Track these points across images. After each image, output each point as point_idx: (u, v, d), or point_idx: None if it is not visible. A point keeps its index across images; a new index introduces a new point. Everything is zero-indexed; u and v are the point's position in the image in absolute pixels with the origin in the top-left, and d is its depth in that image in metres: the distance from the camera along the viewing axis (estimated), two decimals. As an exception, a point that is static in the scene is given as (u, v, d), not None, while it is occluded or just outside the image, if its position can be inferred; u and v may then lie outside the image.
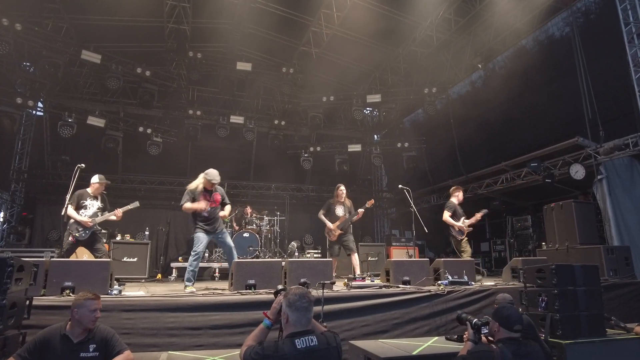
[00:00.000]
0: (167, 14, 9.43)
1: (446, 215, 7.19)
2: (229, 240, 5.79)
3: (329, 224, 7.08)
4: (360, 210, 7.07)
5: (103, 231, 9.30)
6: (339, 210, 7.15)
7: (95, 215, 5.87)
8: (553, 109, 9.10)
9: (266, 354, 2.34)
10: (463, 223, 7.18)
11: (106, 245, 8.97)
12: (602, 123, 7.63)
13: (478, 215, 7.42)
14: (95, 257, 5.89)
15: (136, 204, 6.18)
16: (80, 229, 5.69)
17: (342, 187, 7.29)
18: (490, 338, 3.16)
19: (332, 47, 10.73)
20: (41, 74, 9.63)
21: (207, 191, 5.63)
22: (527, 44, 9.74)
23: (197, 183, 5.67)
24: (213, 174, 5.67)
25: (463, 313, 3.40)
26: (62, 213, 5.53)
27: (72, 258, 5.87)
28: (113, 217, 5.93)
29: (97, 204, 5.94)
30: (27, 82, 10.13)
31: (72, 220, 5.69)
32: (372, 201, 7.37)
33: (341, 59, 11.34)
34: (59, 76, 9.39)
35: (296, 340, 2.37)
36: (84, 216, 5.74)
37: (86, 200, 5.86)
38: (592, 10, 8.36)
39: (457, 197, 7.45)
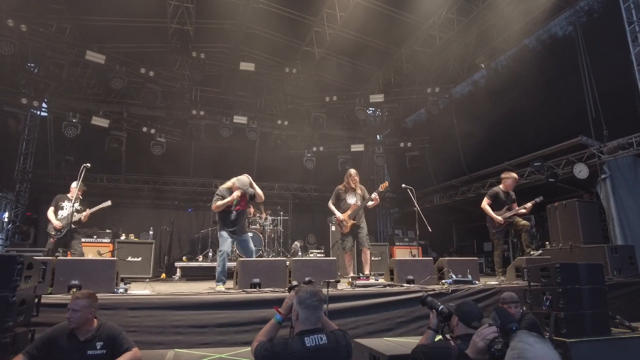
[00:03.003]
0: (170, 14, 9.45)
1: (484, 203, 6.74)
2: None
3: (339, 215, 6.39)
4: (375, 194, 6.28)
5: (107, 231, 9.39)
6: (351, 199, 6.43)
7: (68, 217, 6.29)
8: (556, 108, 9.09)
9: (275, 351, 2.35)
10: (503, 215, 6.68)
11: (110, 245, 9.12)
12: (606, 122, 7.62)
13: (528, 205, 6.62)
14: (72, 254, 6.33)
15: (108, 202, 6.66)
16: (54, 230, 6.22)
17: (354, 172, 6.56)
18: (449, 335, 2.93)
19: (334, 47, 10.74)
20: (46, 74, 9.68)
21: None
22: (530, 43, 9.73)
23: None
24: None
25: (429, 296, 3.06)
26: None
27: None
28: (80, 217, 6.39)
29: (72, 206, 6.38)
30: (31, 82, 10.17)
31: (50, 222, 6.24)
32: (386, 183, 6.67)
33: (344, 59, 11.35)
34: (64, 77, 9.43)
35: (306, 338, 2.37)
36: (60, 217, 6.29)
37: (63, 202, 6.42)
38: (595, 9, 8.36)
39: (504, 183, 6.89)
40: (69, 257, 5.75)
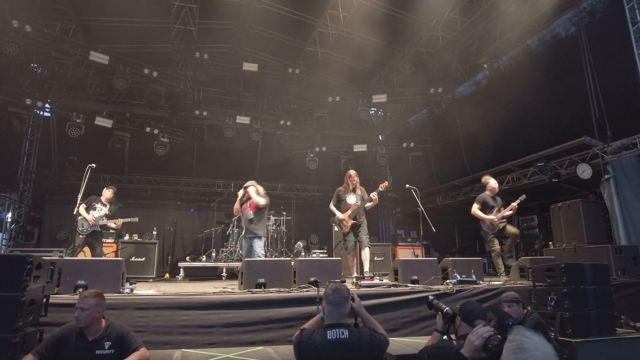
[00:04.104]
0: (174, 15, 9.47)
1: (474, 209, 6.85)
2: None
3: (339, 214, 6.44)
4: (374, 194, 6.29)
5: (111, 231, 9.41)
6: (351, 199, 6.46)
7: (100, 218, 6.75)
8: (559, 109, 9.09)
9: (301, 340, 2.58)
10: (496, 215, 6.76)
11: (114, 245, 9.16)
12: (609, 122, 7.62)
13: (514, 205, 6.70)
14: (92, 253, 6.75)
15: (135, 219, 7.26)
16: (84, 225, 6.55)
17: (354, 173, 6.61)
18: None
19: (337, 47, 10.76)
20: (50, 75, 9.72)
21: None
22: (533, 43, 9.73)
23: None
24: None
25: (435, 299, 3.14)
26: (74, 212, 6.29)
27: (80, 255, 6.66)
28: (113, 225, 6.94)
29: (105, 210, 6.86)
30: (35, 83, 10.22)
31: (80, 218, 6.53)
32: (386, 183, 6.74)
33: (347, 59, 11.36)
34: (67, 77, 9.46)
35: (328, 331, 2.53)
36: (91, 215, 6.67)
37: (97, 204, 6.85)
38: (598, 9, 8.35)
39: (488, 188, 7.02)
40: (76, 258, 5.80)
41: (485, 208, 6.87)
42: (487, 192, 7.04)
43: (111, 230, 9.46)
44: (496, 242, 6.89)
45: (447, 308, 2.97)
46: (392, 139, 13.84)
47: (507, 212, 6.78)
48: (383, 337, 2.69)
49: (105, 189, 7.01)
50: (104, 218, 6.79)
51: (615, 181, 7.40)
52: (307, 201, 13.65)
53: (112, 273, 4.62)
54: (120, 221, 6.95)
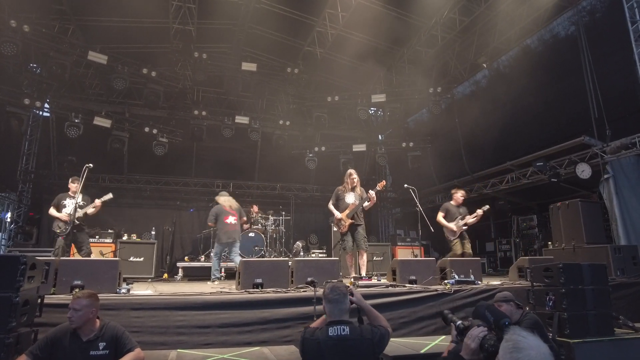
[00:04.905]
0: (172, 14, 9.47)
1: (439, 217, 7.32)
2: None
3: (337, 213, 6.37)
4: (372, 193, 6.22)
5: (110, 231, 9.42)
6: (350, 198, 6.42)
7: (73, 211, 6.35)
8: (558, 108, 9.07)
9: (305, 337, 2.67)
10: (457, 224, 7.14)
11: (112, 245, 9.14)
12: (609, 122, 7.61)
13: (479, 212, 7.17)
14: (80, 252, 6.48)
15: (109, 195, 6.82)
16: (60, 225, 6.32)
17: (353, 172, 6.56)
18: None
19: (336, 47, 10.75)
20: (48, 75, 9.70)
21: None
22: (532, 43, 9.71)
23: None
24: None
25: (450, 313, 3.10)
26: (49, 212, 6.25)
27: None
28: (92, 210, 6.58)
29: (75, 201, 6.43)
30: (34, 83, 10.21)
31: (54, 220, 6.33)
32: (384, 182, 6.86)
33: (346, 59, 11.34)
34: (66, 77, 9.44)
35: (330, 328, 2.60)
36: (63, 213, 6.37)
37: (65, 199, 6.53)
38: (597, 9, 8.33)
39: (454, 198, 7.50)
40: (72, 258, 5.76)
41: (448, 216, 7.31)
42: (452, 202, 7.49)
43: (108, 234, 9.47)
44: (458, 246, 7.17)
45: (459, 322, 2.98)
46: (391, 139, 13.82)
47: (471, 220, 7.21)
48: (384, 330, 2.73)
49: (69, 181, 6.62)
50: (79, 210, 6.39)
51: (614, 181, 7.38)
52: (306, 201, 13.63)
53: (108, 273, 4.60)
54: (98, 202, 6.58)
